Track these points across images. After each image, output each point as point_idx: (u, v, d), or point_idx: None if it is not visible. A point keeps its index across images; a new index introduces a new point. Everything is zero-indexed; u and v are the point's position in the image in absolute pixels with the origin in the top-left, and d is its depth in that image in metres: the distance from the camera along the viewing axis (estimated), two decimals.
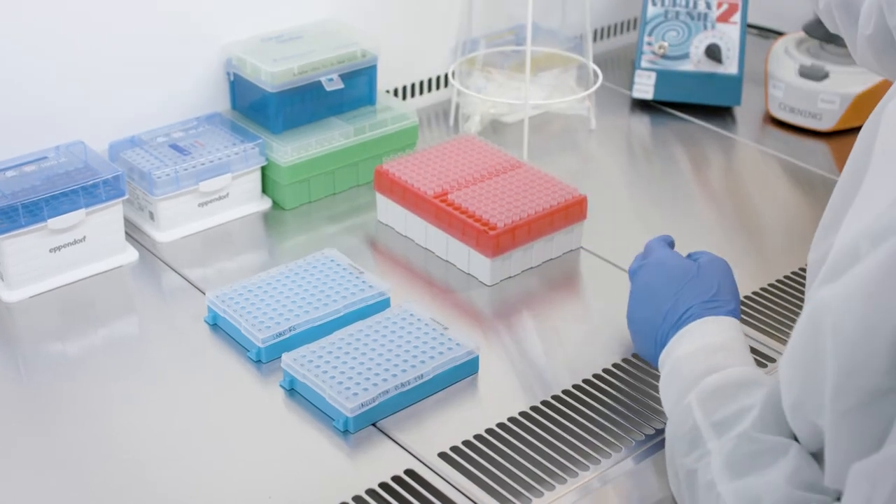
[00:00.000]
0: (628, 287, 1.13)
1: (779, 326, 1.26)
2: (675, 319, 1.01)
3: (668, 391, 0.96)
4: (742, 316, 1.27)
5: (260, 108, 1.50)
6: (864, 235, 0.71)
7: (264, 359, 1.19)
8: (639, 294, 1.08)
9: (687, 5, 1.77)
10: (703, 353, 0.95)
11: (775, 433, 0.84)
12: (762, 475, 0.81)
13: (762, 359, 1.20)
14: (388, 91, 1.68)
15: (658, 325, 1.03)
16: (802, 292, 1.31)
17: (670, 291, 1.03)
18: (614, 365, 1.20)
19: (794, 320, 1.26)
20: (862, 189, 0.77)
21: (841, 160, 1.63)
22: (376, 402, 1.11)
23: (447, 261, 1.37)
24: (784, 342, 1.22)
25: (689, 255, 1.11)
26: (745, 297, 1.31)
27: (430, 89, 1.77)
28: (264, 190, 1.49)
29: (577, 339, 1.25)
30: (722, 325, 0.99)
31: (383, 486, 1.04)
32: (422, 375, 1.14)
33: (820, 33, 1.74)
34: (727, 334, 0.97)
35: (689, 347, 0.97)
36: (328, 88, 1.49)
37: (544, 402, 1.15)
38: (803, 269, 1.35)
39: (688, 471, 0.89)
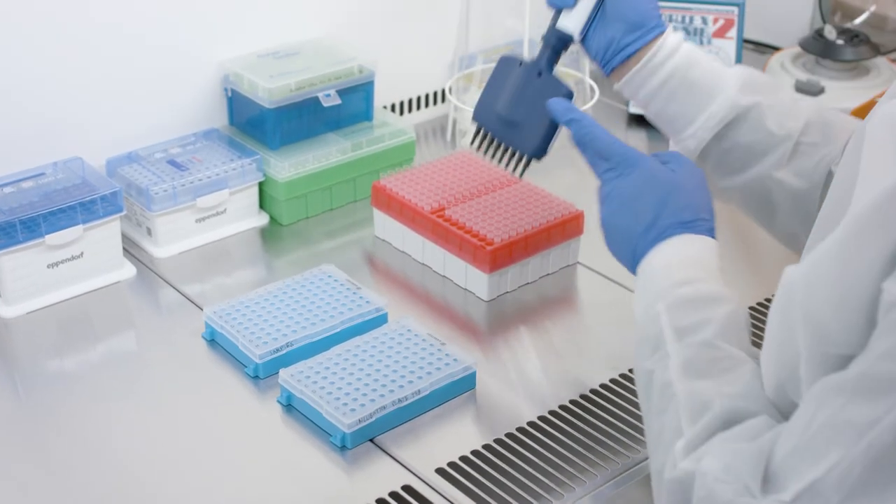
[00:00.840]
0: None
1: None
2: (655, 233, 1.00)
3: (641, 298, 0.98)
4: None
5: (257, 123, 1.51)
6: None
7: (262, 374, 1.19)
8: (618, 199, 1.04)
9: (683, 20, 1.78)
10: (679, 266, 0.97)
11: (732, 343, 0.89)
12: (716, 382, 0.86)
13: None
14: (385, 107, 1.69)
15: (638, 235, 1.01)
16: None
17: (651, 202, 1.02)
18: (612, 380, 1.20)
19: None
20: (855, 196, 0.79)
21: None
22: (374, 418, 1.11)
23: (444, 276, 1.37)
24: None
25: (658, 156, 1.09)
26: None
27: (427, 105, 1.78)
28: (262, 205, 1.49)
29: (574, 354, 1.26)
30: (700, 243, 1.00)
31: (380, 501, 1.04)
32: (419, 391, 1.14)
33: (816, 48, 1.75)
34: (704, 252, 0.99)
35: (665, 260, 0.98)
36: (325, 104, 1.49)
37: (542, 418, 1.15)
38: None
39: (646, 371, 0.92)
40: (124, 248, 1.37)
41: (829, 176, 1.07)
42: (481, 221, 1.34)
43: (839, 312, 0.70)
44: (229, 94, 1.54)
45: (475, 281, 1.33)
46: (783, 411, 0.81)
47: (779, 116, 1.11)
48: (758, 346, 1.19)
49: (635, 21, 1.12)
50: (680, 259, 0.98)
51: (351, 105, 1.54)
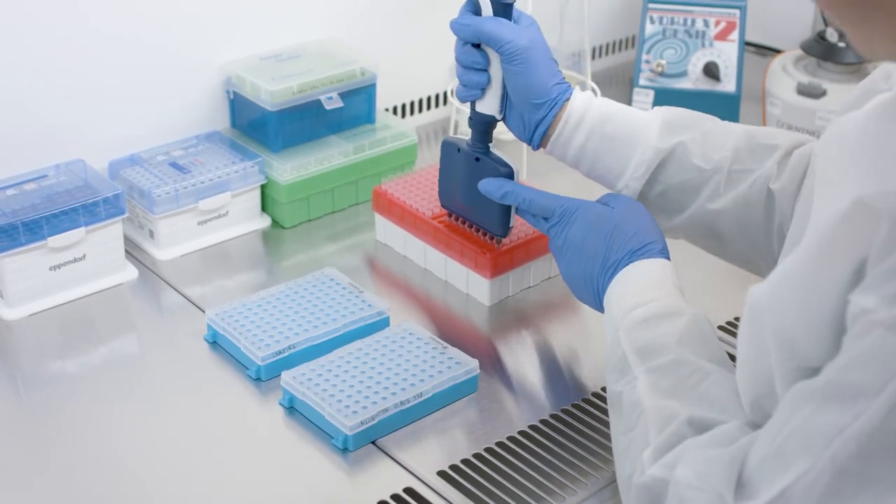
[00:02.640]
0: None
1: None
2: (611, 269, 1.04)
3: (608, 327, 1.01)
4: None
5: (259, 126, 1.51)
6: None
7: (264, 377, 1.19)
8: (569, 249, 1.09)
9: (685, 23, 1.78)
10: (633, 293, 1.00)
11: (698, 355, 0.91)
12: (684, 399, 0.87)
13: None
14: (387, 109, 1.69)
15: (596, 276, 1.06)
16: None
17: (599, 243, 1.06)
18: None
19: None
20: (812, 214, 0.81)
21: None
22: (376, 421, 1.11)
23: (446, 281, 1.37)
24: None
25: (599, 200, 1.13)
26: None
27: (429, 107, 1.78)
28: (264, 208, 1.50)
29: (575, 358, 1.26)
30: (652, 265, 1.03)
31: None
32: (421, 394, 1.14)
33: (818, 51, 1.75)
34: (657, 274, 1.02)
35: (620, 291, 1.02)
36: (327, 107, 1.49)
37: (543, 422, 1.15)
38: None
39: (616, 394, 0.94)
40: (126, 251, 1.38)
41: (770, 195, 1.10)
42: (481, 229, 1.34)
43: (807, 327, 0.71)
44: (231, 96, 1.54)
45: (476, 286, 1.33)
46: (761, 426, 0.80)
47: (704, 151, 1.13)
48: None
49: (537, 98, 1.15)
50: (633, 287, 1.01)
51: (353, 108, 1.54)
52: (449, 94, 1.68)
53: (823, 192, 0.79)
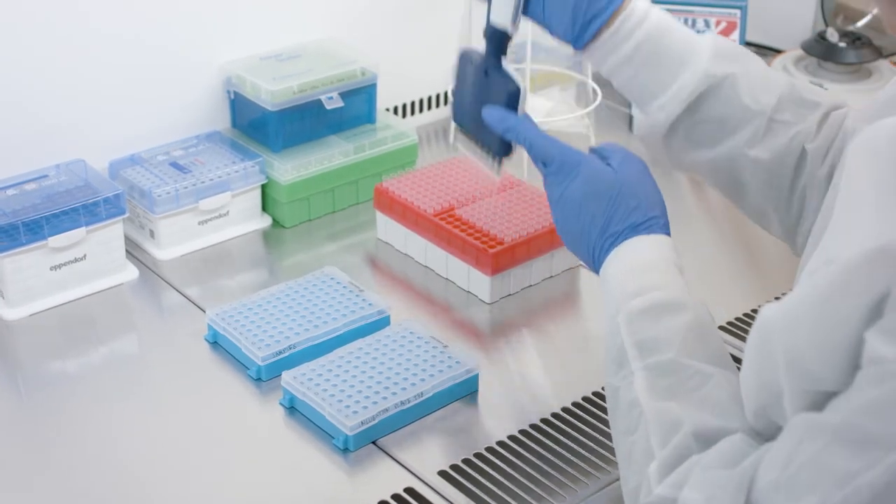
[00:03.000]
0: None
1: None
2: (610, 239, 0.99)
3: (606, 306, 0.98)
4: (739, 332, 1.27)
5: (260, 126, 1.51)
6: (823, 265, 0.74)
7: (264, 377, 1.19)
8: (567, 205, 1.02)
9: (686, 23, 1.78)
10: (633, 274, 0.96)
11: (698, 359, 0.88)
12: (684, 401, 0.85)
13: None
14: (387, 109, 1.69)
15: (594, 241, 1.01)
16: None
17: (600, 208, 1.00)
18: None
19: None
20: (831, 223, 0.79)
21: None
22: (376, 420, 1.11)
23: (447, 279, 1.37)
24: None
25: (598, 151, 1.06)
26: (744, 315, 1.31)
27: (429, 107, 1.78)
28: (264, 208, 1.49)
29: (577, 356, 1.26)
30: (654, 244, 0.98)
31: None
32: (422, 393, 1.14)
33: (818, 51, 1.75)
34: (657, 254, 0.98)
35: (620, 268, 0.97)
36: (328, 107, 1.49)
37: (544, 421, 1.15)
38: None
39: (614, 388, 0.92)
40: (127, 251, 1.37)
41: (803, 154, 1.05)
42: (484, 224, 1.34)
43: (821, 355, 0.70)
44: (232, 96, 1.54)
45: (477, 283, 1.33)
46: (765, 433, 0.80)
47: (753, 89, 1.07)
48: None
49: None
50: (634, 266, 0.97)
51: (353, 107, 1.54)
52: (449, 94, 1.67)
53: (847, 204, 0.77)
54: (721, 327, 1.29)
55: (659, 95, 1.07)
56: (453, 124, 1.21)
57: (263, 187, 1.48)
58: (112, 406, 1.17)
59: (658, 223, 1.00)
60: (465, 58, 1.17)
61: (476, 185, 1.43)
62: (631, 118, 1.80)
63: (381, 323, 1.25)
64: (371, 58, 1.55)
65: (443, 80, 1.76)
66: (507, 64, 1.13)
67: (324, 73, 1.50)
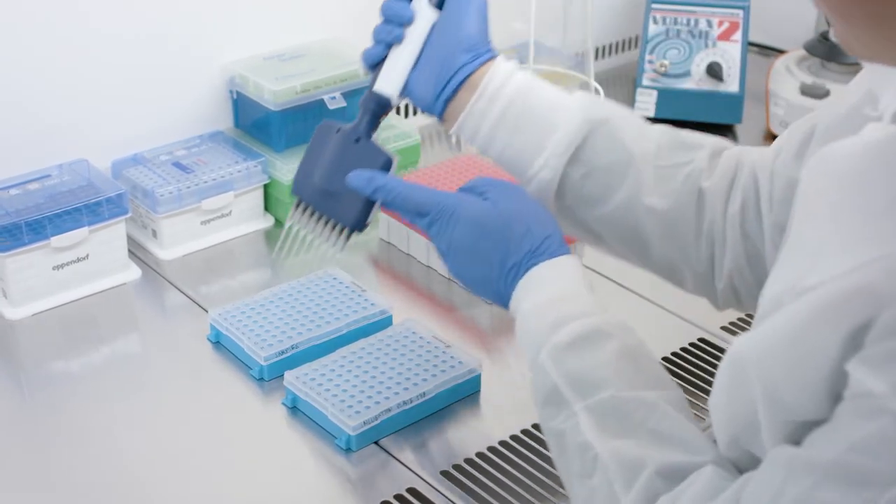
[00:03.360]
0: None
1: None
2: (512, 274, 0.95)
3: (523, 346, 0.94)
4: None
5: (262, 126, 1.51)
6: (786, 290, 0.71)
7: (267, 377, 1.19)
8: (458, 253, 0.97)
9: (688, 24, 1.78)
10: (547, 306, 0.92)
11: (638, 388, 0.85)
12: (637, 437, 0.82)
13: None
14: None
15: (496, 280, 0.96)
16: None
17: (491, 246, 0.96)
18: None
19: None
20: (787, 242, 0.77)
21: None
22: (378, 420, 1.11)
23: (449, 279, 1.37)
24: None
25: (472, 189, 1.01)
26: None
27: None
28: (267, 208, 1.50)
29: None
30: (558, 268, 0.94)
31: None
32: (424, 393, 1.14)
33: (821, 51, 1.75)
34: (565, 279, 0.94)
35: (532, 301, 0.93)
36: (331, 107, 1.49)
37: None
38: None
39: (556, 432, 0.87)
40: (129, 250, 1.38)
41: (701, 195, 1.00)
42: None
43: (799, 386, 0.68)
44: (234, 96, 1.54)
45: None
46: (739, 463, 0.78)
47: (632, 134, 1.02)
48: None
49: (467, 43, 1.02)
50: (545, 299, 0.93)
51: (356, 107, 1.53)
52: None
53: (807, 227, 0.74)
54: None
55: (538, 155, 1.01)
56: (293, 198, 1.11)
57: (266, 187, 1.48)
58: (114, 406, 1.17)
59: (554, 242, 0.96)
60: (325, 128, 1.09)
61: None
62: None
63: (384, 323, 1.25)
64: None
65: None
66: (376, 138, 1.08)
67: (326, 73, 1.50)
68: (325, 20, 1.62)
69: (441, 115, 1.03)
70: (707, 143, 1.03)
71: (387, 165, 1.05)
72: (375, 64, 1.07)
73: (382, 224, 1.45)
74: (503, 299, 0.97)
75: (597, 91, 1.70)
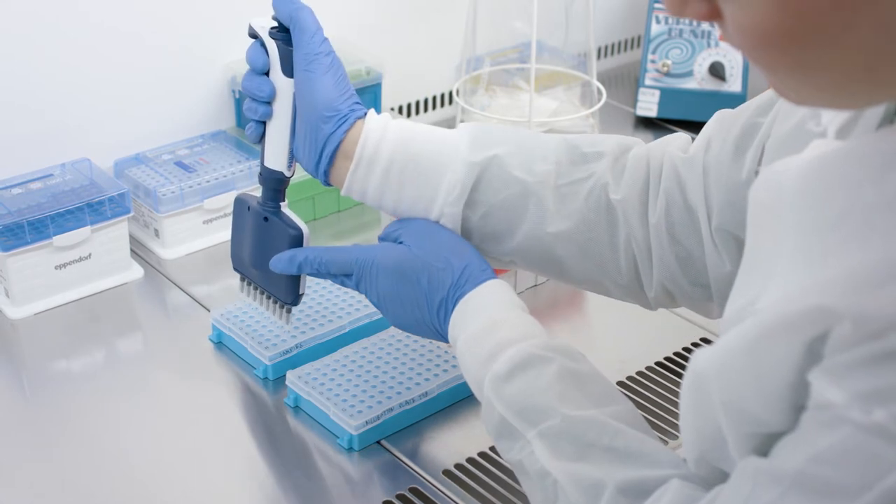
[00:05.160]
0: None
1: None
2: (442, 311, 0.95)
3: (468, 381, 0.93)
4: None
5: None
6: (744, 308, 0.71)
7: (271, 376, 1.19)
8: (387, 303, 0.98)
9: (691, 23, 1.78)
10: (479, 337, 0.91)
11: (585, 408, 0.84)
12: (592, 459, 0.81)
13: None
14: (392, 109, 1.69)
15: (430, 323, 0.96)
16: None
17: (413, 290, 0.96)
18: (618, 383, 1.20)
19: None
20: (743, 261, 0.76)
21: None
22: (381, 420, 1.11)
23: None
24: None
25: (387, 236, 1.02)
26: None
27: (434, 107, 1.78)
28: None
29: None
30: (483, 297, 0.94)
31: (387, 503, 1.04)
32: (427, 393, 1.14)
33: None
34: (493, 305, 0.93)
35: (465, 333, 0.92)
36: None
37: None
38: None
39: (515, 463, 0.87)
40: (132, 250, 1.38)
41: (610, 207, 0.98)
42: None
43: (760, 399, 0.67)
44: (237, 95, 1.54)
45: None
46: (708, 479, 0.77)
47: (524, 163, 0.99)
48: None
49: (324, 111, 0.99)
50: (477, 329, 0.92)
51: None
52: (454, 94, 1.68)
53: (759, 244, 0.74)
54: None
55: (432, 205, 0.99)
56: (237, 274, 1.14)
57: None
58: (116, 405, 1.17)
59: (475, 269, 0.95)
60: (240, 204, 1.10)
61: None
62: (635, 118, 1.80)
63: (385, 322, 1.25)
64: (376, 57, 1.55)
65: (448, 79, 1.76)
66: (286, 207, 1.07)
67: None
68: (327, 20, 1.61)
69: (326, 183, 1.02)
70: (607, 150, 1.00)
71: (297, 239, 1.05)
72: (259, 139, 1.05)
73: (385, 223, 1.45)
74: (443, 337, 0.97)
75: (599, 91, 1.70)
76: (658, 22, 1.79)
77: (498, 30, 1.78)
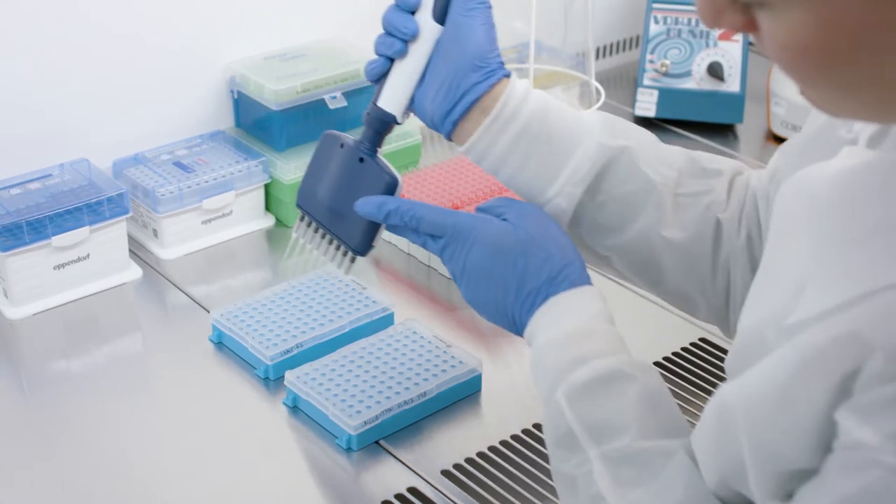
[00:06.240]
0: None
1: None
2: (528, 302, 0.90)
3: (538, 379, 0.89)
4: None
5: (263, 125, 1.51)
6: (768, 322, 0.69)
7: (272, 376, 1.19)
8: (472, 276, 0.92)
9: (689, 23, 1.78)
10: (565, 341, 0.87)
11: (657, 436, 0.81)
12: (650, 490, 0.78)
13: None
14: None
15: (510, 306, 0.91)
16: None
17: (508, 270, 0.90)
18: None
19: None
20: (761, 268, 0.75)
21: None
22: (379, 420, 1.11)
23: (450, 278, 1.37)
24: None
25: (490, 209, 0.96)
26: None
27: None
28: (268, 207, 1.50)
29: None
30: (580, 300, 0.89)
31: (386, 503, 1.04)
32: (425, 393, 1.14)
33: None
34: (586, 312, 0.89)
35: (550, 333, 0.88)
36: (331, 106, 1.49)
37: None
38: None
39: (567, 476, 0.84)
40: (130, 250, 1.38)
41: (719, 226, 0.96)
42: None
43: (787, 437, 0.66)
44: (235, 95, 1.54)
45: None
46: (725, 499, 0.76)
47: (651, 162, 0.97)
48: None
49: (476, 59, 0.95)
50: (564, 333, 0.87)
51: (357, 107, 1.54)
52: None
53: (784, 253, 0.72)
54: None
55: (554, 181, 0.95)
56: (297, 211, 1.06)
57: (267, 187, 1.48)
58: (116, 405, 1.17)
59: (575, 270, 0.90)
60: (331, 140, 1.04)
61: (479, 185, 1.43)
62: (634, 118, 1.80)
63: (386, 320, 1.25)
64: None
65: None
66: (382, 154, 1.02)
67: (327, 73, 1.50)
68: (325, 20, 1.62)
69: (449, 135, 0.97)
70: (726, 170, 0.99)
71: (392, 186, 0.99)
72: (378, 78, 1.00)
73: None
74: (517, 327, 0.92)
75: (598, 91, 1.70)
76: (656, 22, 1.79)
77: (497, 29, 1.77)
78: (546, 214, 0.94)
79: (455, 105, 0.95)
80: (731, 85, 1.76)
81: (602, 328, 0.88)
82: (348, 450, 1.10)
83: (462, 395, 1.17)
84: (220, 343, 1.25)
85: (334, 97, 1.50)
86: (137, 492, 1.06)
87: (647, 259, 0.97)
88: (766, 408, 0.67)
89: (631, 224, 0.96)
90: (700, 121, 1.78)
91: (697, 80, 1.76)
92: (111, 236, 1.34)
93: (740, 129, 1.79)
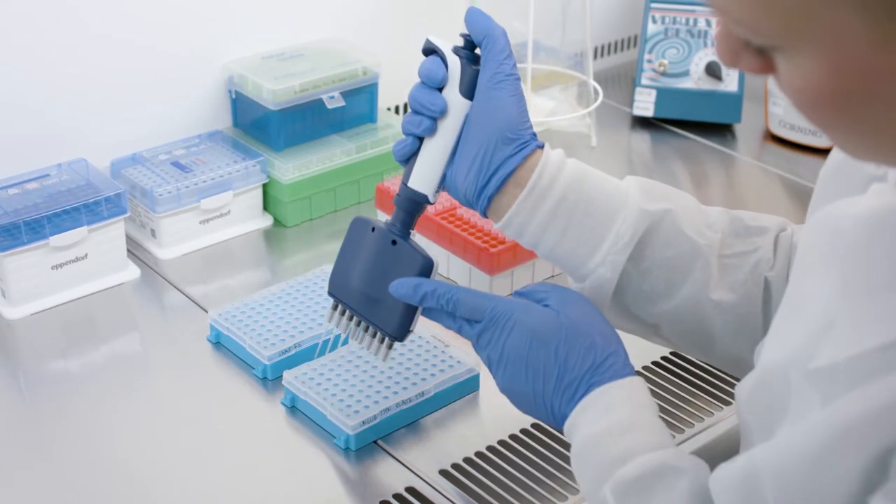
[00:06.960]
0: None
1: None
2: (569, 392, 0.87)
3: (581, 474, 0.87)
4: None
5: (261, 125, 1.51)
6: (793, 362, 0.68)
7: (270, 376, 1.19)
8: (508, 364, 0.90)
9: (687, 23, 1.78)
10: (612, 435, 0.84)
11: None
12: None
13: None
14: (389, 108, 1.69)
15: (550, 397, 0.88)
16: None
17: (549, 359, 0.88)
18: None
19: None
20: (785, 300, 0.74)
21: None
22: (377, 420, 1.11)
23: (448, 278, 1.37)
24: None
25: (529, 294, 0.94)
26: None
27: None
28: (266, 207, 1.50)
29: None
30: (624, 392, 0.86)
31: (384, 503, 1.04)
32: (423, 393, 1.14)
33: None
34: (632, 404, 0.86)
35: (594, 427, 0.85)
36: (329, 106, 1.49)
37: None
38: None
39: None
40: (128, 250, 1.38)
41: (767, 286, 0.94)
42: (485, 223, 1.35)
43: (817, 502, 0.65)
44: (233, 95, 1.54)
45: (479, 283, 1.33)
46: None
47: (695, 224, 0.94)
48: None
49: (508, 132, 0.92)
50: (609, 425, 0.84)
51: (355, 107, 1.54)
52: None
53: (807, 284, 0.71)
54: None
55: (596, 250, 0.92)
56: (330, 299, 1.04)
57: (265, 186, 1.48)
58: (114, 406, 1.17)
59: (619, 360, 0.88)
60: (361, 224, 1.01)
61: None
62: (632, 118, 1.80)
63: None
64: (372, 57, 1.55)
65: None
66: (415, 236, 1.00)
67: (325, 73, 1.50)
68: (323, 20, 1.62)
69: (485, 212, 0.94)
70: (771, 227, 0.96)
71: (427, 268, 0.97)
72: (408, 158, 0.97)
73: None
74: (556, 418, 0.89)
75: (596, 91, 1.70)
76: (654, 21, 1.79)
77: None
78: (589, 302, 0.92)
79: (489, 180, 0.93)
80: (730, 84, 1.76)
81: (647, 420, 0.85)
82: (346, 450, 1.10)
83: (460, 395, 1.17)
84: (218, 343, 1.25)
85: (332, 97, 1.50)
86: (135, 491, 1.06)
87: (697, 324, 0.95)
88: (796, 478, 0.65)
89: (678, 289, 0.94)
90: (698, 120, 1.78)
91: (695, 80, 1.76)
92: (109, 236, 1.34)
93: (738, 128, 1.79)
